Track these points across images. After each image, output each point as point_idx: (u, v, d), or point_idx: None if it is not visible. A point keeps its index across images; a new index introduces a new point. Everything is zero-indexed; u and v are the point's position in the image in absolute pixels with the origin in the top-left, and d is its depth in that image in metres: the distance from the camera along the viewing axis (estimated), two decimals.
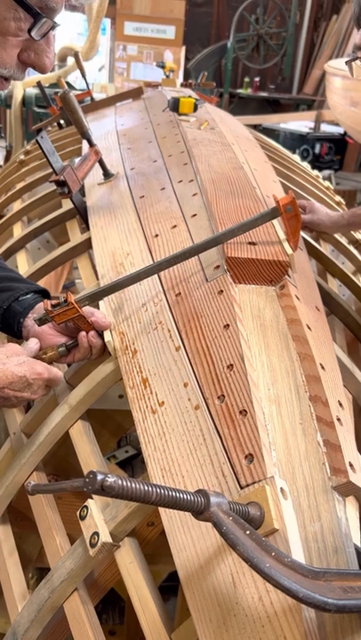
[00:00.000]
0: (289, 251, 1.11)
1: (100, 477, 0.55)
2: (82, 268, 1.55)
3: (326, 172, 7.03)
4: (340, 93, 6.49)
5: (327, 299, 1.54)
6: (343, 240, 2.11)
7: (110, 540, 0.87)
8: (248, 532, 0.60)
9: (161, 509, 0.80)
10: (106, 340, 1.12)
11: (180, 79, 7.20)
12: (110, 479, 0.55)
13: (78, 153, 2.34)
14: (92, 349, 1.13)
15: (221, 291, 1.05)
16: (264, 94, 10.41)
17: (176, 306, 1.10)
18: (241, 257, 1.08)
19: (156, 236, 1.34)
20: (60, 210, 1.86)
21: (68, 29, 7.49)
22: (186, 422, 0.89)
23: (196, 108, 2.11)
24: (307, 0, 10.63)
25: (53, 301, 1.11)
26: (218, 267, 1.10)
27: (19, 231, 2.02)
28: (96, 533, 0.86)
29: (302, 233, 1.56)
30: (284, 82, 10.87)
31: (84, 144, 2.09)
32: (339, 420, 0.85)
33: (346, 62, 1.39)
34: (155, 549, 1.11)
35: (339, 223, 1.88)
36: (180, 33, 8.23)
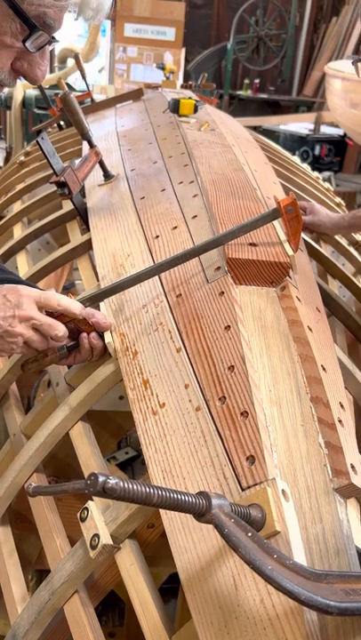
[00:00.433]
0: (290, 252, 1.11)
1: (101, 479, 0.55)
2: (82, 270, 1.54)
3: (326, 174, 7.04)
4: (340, 95, 6.51)
5: (328, 300, 1.54)
6: (343, 241, 2.12)
7: (111, 541, 0.87)
8: (250, 535, 0.60)
9: (162, 511, 0.79)
10: (106, 341, 1.12)
11: (180, 81, 7.22)
12: (112, 481, 0.55)
13: (79, 154, 2.34)
14: (94, 351, 1.13)
15: (222, 292, 1.05)
16: (264, 96, 10.43)
17: (177, 307, 1.09)
18: (242, 258, 1.07)
19: (157, 237, 1.34)
20: (61, 211, 1.86)
21: (68, 31, 7.49)
22: (187, 424, 0.89)
23: (196, 110, 2.12)
24: (306, 2, 10.65)
25: None
26: (219, 268, 1.10)
27: (19, 232, 2.02)
28: (97, 535, 0.86)
29: (303, 234, 1.56)
30: (283, 83, 10.88)
31: (85, 145, 2.09)
32: (340, 421, 0.85)
33: (352, 63, 1.40)
34: (155, 551, 1.11)
35: (339, 225, 1.88)
36: (180, 34, 8.24)
